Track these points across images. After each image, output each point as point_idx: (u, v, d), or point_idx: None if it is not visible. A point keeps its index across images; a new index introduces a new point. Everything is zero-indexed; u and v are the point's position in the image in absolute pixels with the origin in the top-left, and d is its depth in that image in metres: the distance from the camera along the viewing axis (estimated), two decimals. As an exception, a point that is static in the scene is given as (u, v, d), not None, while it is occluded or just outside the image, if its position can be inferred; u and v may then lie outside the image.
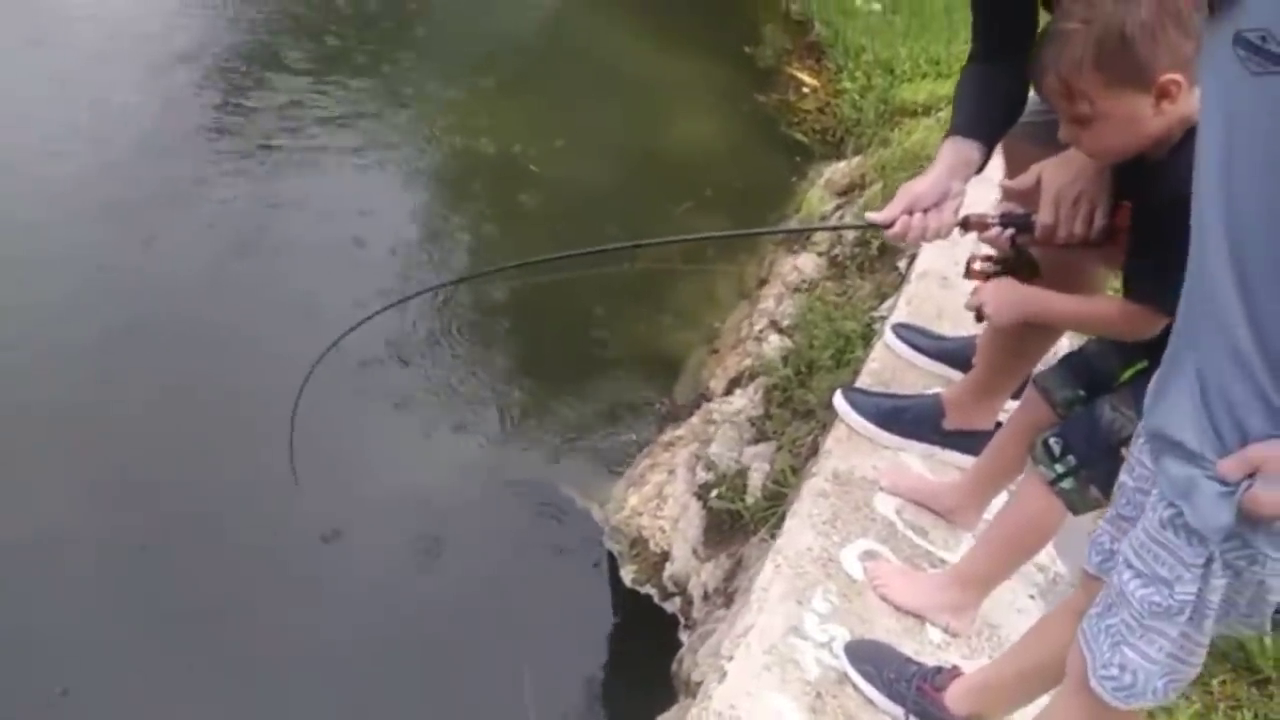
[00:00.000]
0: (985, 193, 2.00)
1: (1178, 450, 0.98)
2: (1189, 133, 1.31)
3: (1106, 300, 1.46)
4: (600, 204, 4.36)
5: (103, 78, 4.35)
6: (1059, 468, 1.56)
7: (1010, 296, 1.58)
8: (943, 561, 1.90)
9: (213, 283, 3.52)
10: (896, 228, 1.62)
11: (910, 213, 1.62)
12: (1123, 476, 1.19)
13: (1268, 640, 1.77)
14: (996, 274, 1.66)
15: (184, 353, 3.23)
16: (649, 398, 3.58)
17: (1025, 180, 1.58)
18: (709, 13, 6.25)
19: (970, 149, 1.63)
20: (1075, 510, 1.59)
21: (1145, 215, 1.42)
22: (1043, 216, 1.55)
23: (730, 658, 1.60)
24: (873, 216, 1.67)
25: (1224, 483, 0.94)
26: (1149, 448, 1.07)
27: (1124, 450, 1.47)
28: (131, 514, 2.73)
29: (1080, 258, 1.63)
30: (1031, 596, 1.90)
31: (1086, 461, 1.53)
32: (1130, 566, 1.04)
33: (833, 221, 4.07)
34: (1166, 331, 1.48)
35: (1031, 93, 1.67)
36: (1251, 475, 0.92)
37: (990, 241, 1.68)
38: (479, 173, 4.54)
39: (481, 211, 4.34)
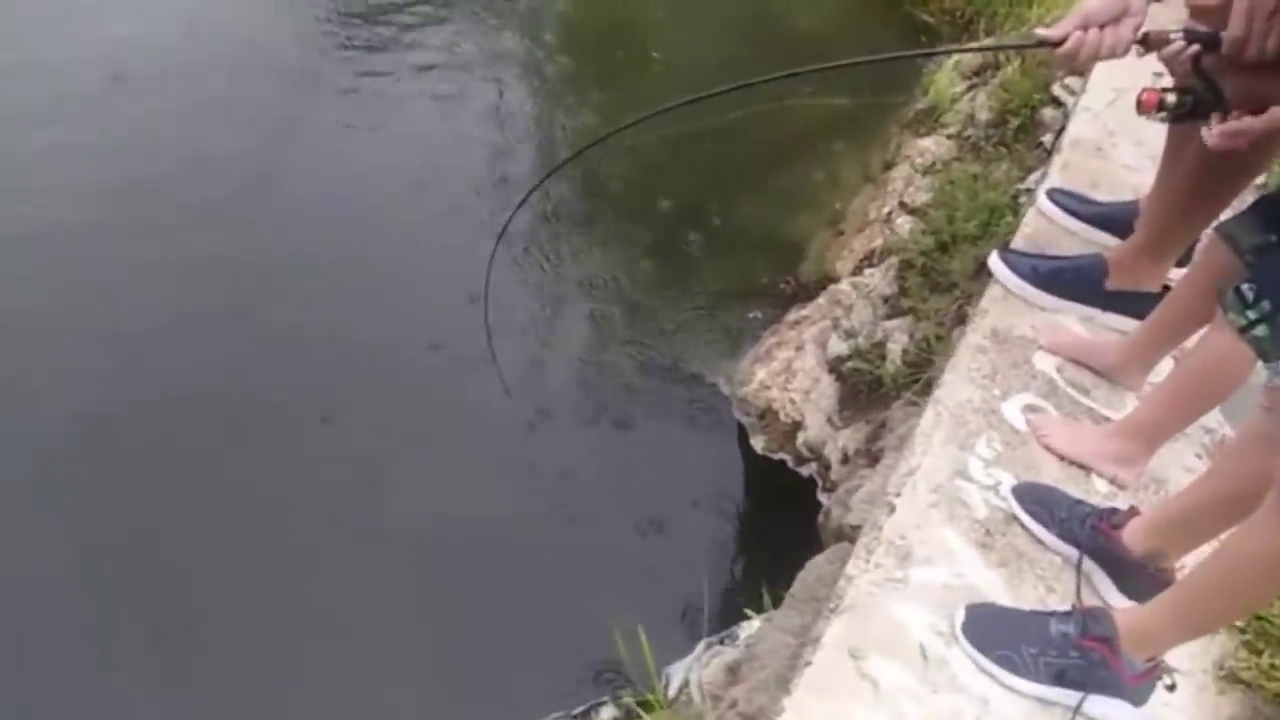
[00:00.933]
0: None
1: None
2: None
3: None
4: (716, 81, 4.28)
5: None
6: (1251, 314, 1.48)
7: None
8: (1105, 419, 1.87)
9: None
10: (1070, 44, 1.48)
11: (1085, 29, 1.50)
12: None
13: None
14: (1176, 103, 1.54)
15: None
16: (773, 278, 3.57)
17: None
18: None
19: None
20: (1266, 358, 1.53)
21: None
22: (1232, 29, 1.42)
23: (898, 494, 1.62)
24: (1044, 32, 1.54)
25: None
26: None
27: None
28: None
29: (1276, 86, 1.52)
30: (1198, 456, 1.86)
31: None
32: None
33: (959, 122, 3.89)
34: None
35: None
36: None
37: (1170, 63, 1.56)
38: (596, 53, 4.49)
39: (601, 91, 4.31)
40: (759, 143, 4.03)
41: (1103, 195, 2.46)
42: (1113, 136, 2.72)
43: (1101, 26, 1.50)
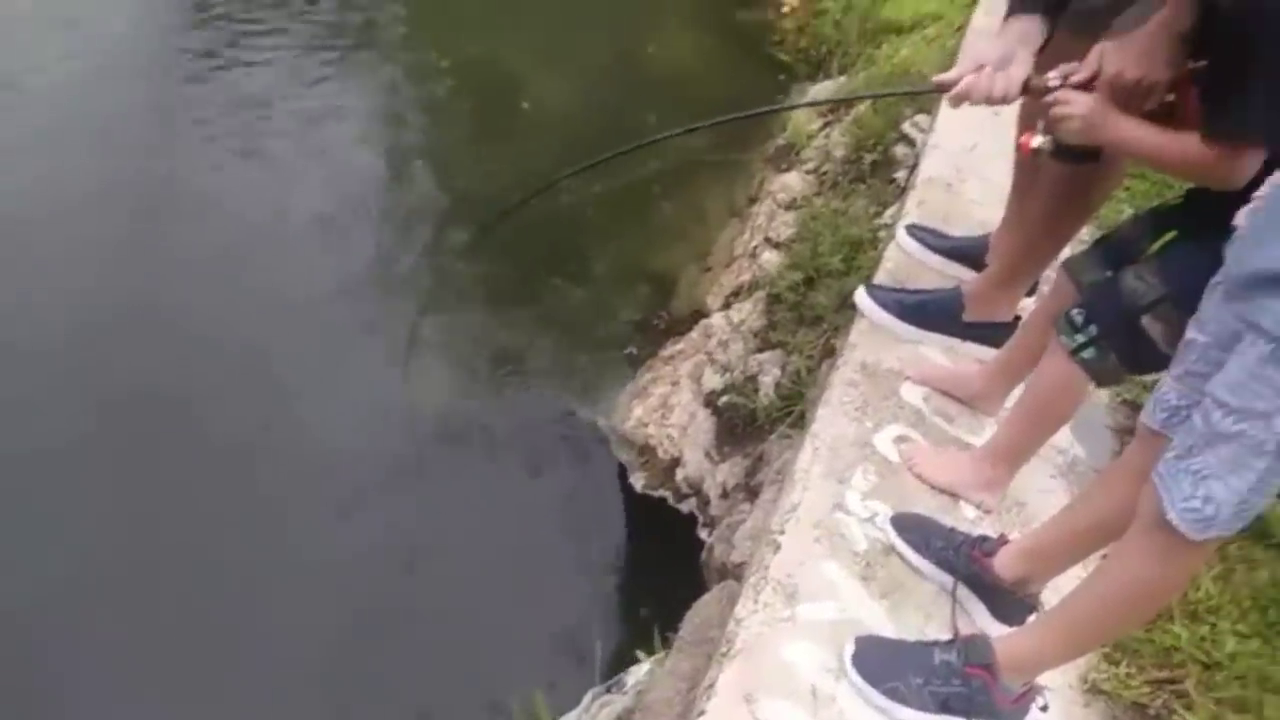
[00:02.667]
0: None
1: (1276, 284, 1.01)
2: None
3: (1189, 139, 1.41)
4: (586, 124, 4.30)
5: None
6: (1080, 337, 1.59)
7: (1102, 111, 1.49)
8: (969, 446, 1.95)
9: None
10: (961, 86, 1.58)
11: (976, 73, 1.58)
12: (1192, 334, 1.22)
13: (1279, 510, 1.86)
14: (1050, 144, 1.63)
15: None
16: (646, 314, 3.60)
17: (1089, 64, 1.56)
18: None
19: (1032, 22, 1.61)
20: (1096, 379, 1.63)
21: (1218, 55, 1.39)
22: (1102, 98, 1.54)
23: (781, 531, 1.63)
24: (939, 77, 1.62)
25: None
26: (1239, 294, 1.10)
27: (1145, 319, 1.52)
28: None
29: None
30: (1053, 476, 1.96)
31: (1107, 331, 1.56)
32: (1222, 406, 1.08)
33: (817, 157, 4.03)
34: (1201, 204, 1.53)
35: None
36: None
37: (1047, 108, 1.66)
38: (464, 97, 4.45)
39: (469, 133, 4.27)
40: (627, 180, 4.06)
41: (955, 230, 2.59)
42: (961, 174, 2.87)
43: (994, 70, 1.59)
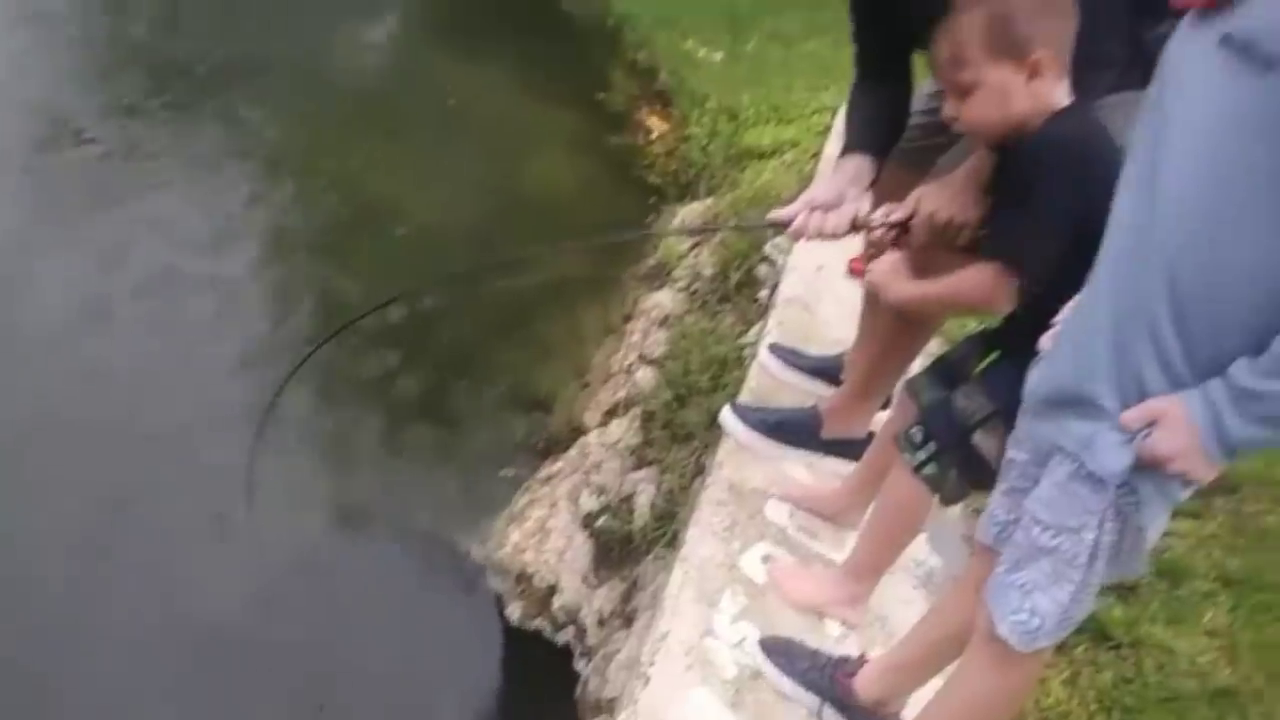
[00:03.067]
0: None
1: (1081, 407, 1.11)
2: (1050, 118, 1.47)
3: (972, 267, 1.57)
4: (458, 247, 4.35)
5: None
6: (920, 455, 1.68)
7: (898, 277, 1.68)
8: (832, 561, 2.00)
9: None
10: (797, 224, 1.74)
11: (810, 211, 1.74)
12: (1011, 453, 1.31)
13: (1117, 611, 1.97)
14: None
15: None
16: (523, 435, 3.58)
17: (906, 206, 1.72)
18: (557, 59, 6.40)
19: (863, 162, 1.78)
20: (939, 493, 1.71)
21: (1002, 192, 1.57)
22: (915, 237, 1.70)
23: (651, 663, 1.62)
24: (774, 214, 1.78)
25: (1123, 432, 1.07)
26: (1042, 414, 1.19)
27: (975, 436, 1.62)
28: None
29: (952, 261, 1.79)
30: (914, 588, 2.03)
31: (945, 447, 1.66)
32: (1039, 522, 1.15)
33: (688, 276, 4.19)
34: (1018, 326, 1.66)
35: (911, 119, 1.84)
36: (1148, 426, 1.06)
37: (875, 243, 1.80)
38: (335, 220, 4.44)
39: (340, 257, 4.23)
40: (503, 301, 4.11)
41: (813, 348, 2.71)
42: (816, 294, 3.03)
43: (825, 211, 1.74)
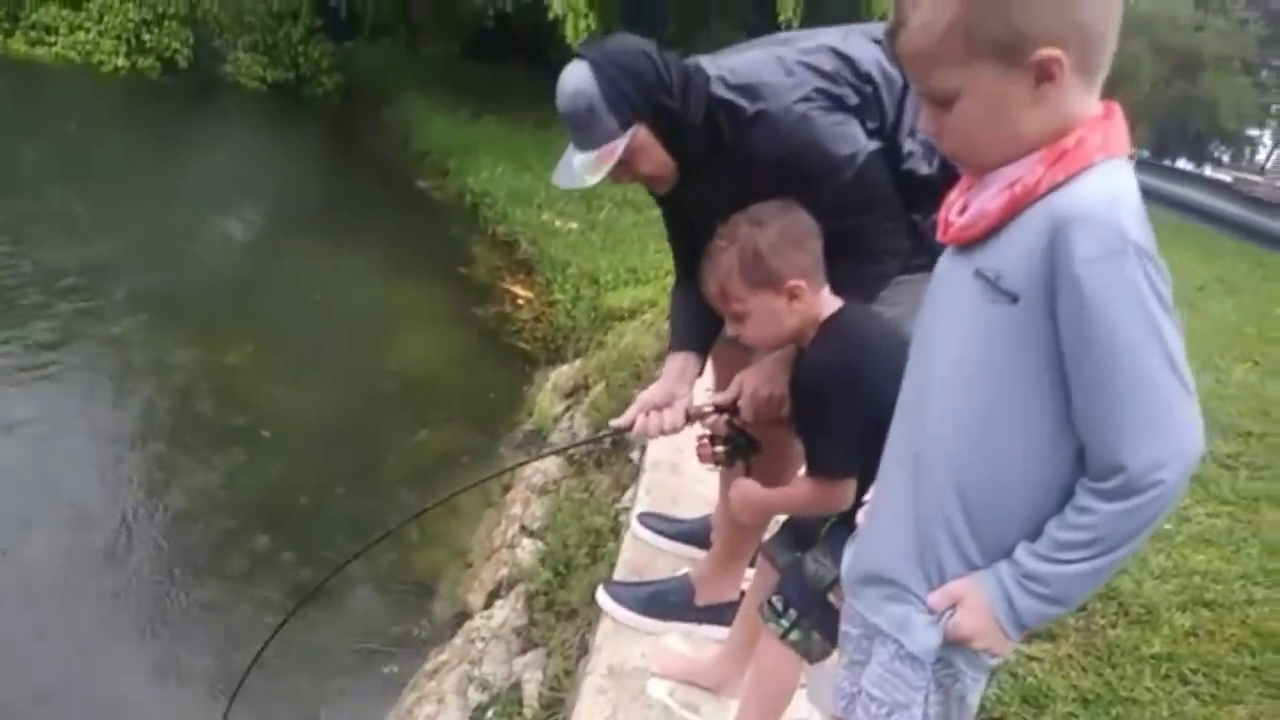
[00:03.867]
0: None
1: (892, 589, 1.21)
2: (821, 329, 1.66)
3: (803, 481, 1.73)
4: (338, 438, 4.32)
5: None
6: (784, 622, 1.76)
7: (750, 500, 1.83)
8: (718, 733, 2.02)
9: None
10: (637, 427, 1.91)
11: (647, 414, 1.87)
12: (845, 627, 1.39)
13: None
14: (725, 453, 1.91)
15: None
16: (405, 627, 3.48)
17: (731, 390, 1.88)
18: (418, 238, 6.60)
19: (687, 358, 1.95)
20: (808, 657, 1.78)
21: (797, 405, 1.75)
22: (744, 414, 1.86)
23: None
24: (615, 423, 1.93)
25: (931, 613, 1.17)
26: (860, 595, 1.29)
27: (830, 595, 1.72)
28: None
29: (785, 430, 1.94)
30: (802, 750, 2.06)
31: (805, 612, 1.74)
32: (874, 699, 1.23)
33: (564, 440, 4.28)
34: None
35: None
36: (952, 606, 1.16)
37: (711, 427, 1.93)
38: (202, 426, 4.34)
39: (212, 465, 4.12)
40: (375, 479, 4.08)
41: (683, 511, 2.79)
42: (682, 454, 3.14)
43: (659, 409, 1.89)
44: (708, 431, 1.93)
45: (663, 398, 1.91)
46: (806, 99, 1.83)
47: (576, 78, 1.80)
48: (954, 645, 1.16)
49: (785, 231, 1.66)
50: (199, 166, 6.92)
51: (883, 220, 1.85)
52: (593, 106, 1.79)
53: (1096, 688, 2.17)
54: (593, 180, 1.84)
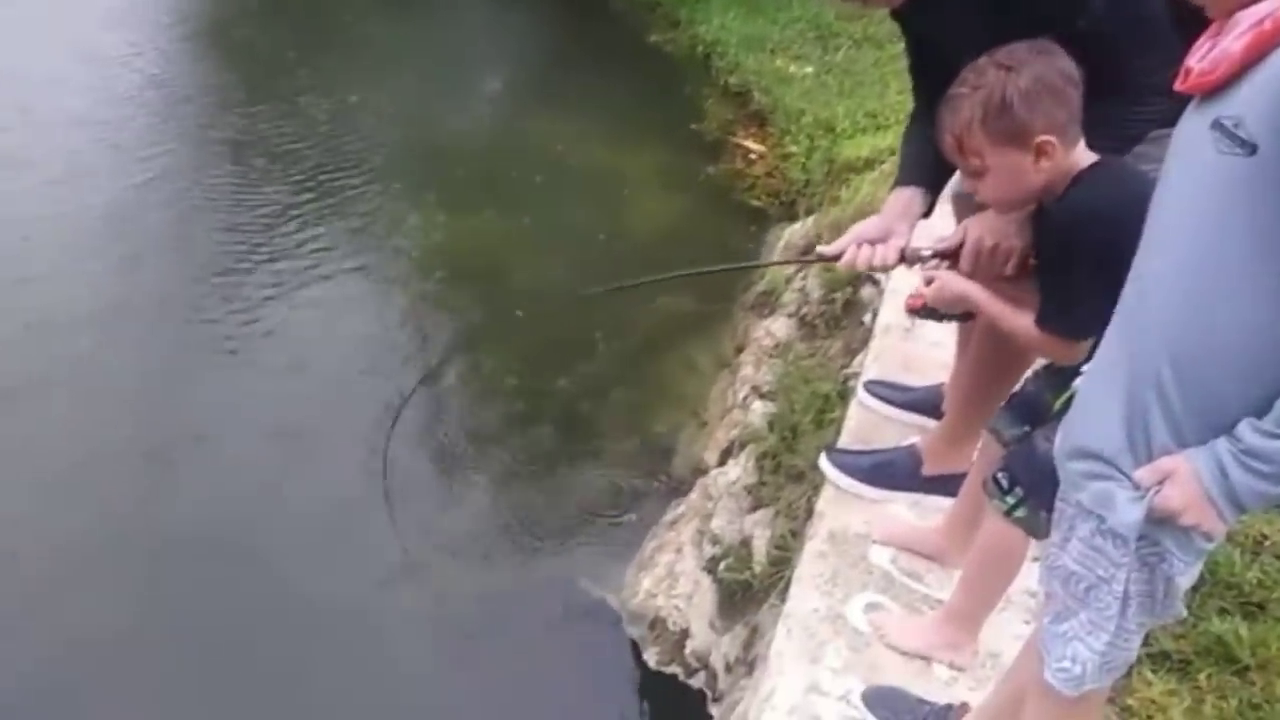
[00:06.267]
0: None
1: (1098, 464, 1.18)
2: (1074, 181, 1.51)
3: (1028, 317, 1.63)
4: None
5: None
6: (1009, 499, 1.71)
7: (953, 284, 1.73)
8: (939, 602, 2.03)
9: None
10: (845, 258, 1.85)
11: (859, 246, 1.83)
12: (1059, 503, 1.35)
13: (1244, 631, 1.92)
14: (925, 313, 1.84)
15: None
16: (646, 477, 3.71)
17: (955, 236, 1.77)
18: (650, 95, 6.56)
19: (914, 195, 1.86)
20: (1035, 534, 1.73)
21: (1043, 257, 1.61)
22: (964, 265, 1.75)
23: (758, 723, 1.72)
24: (823, 249, 1.89)
25: (1137, 488, 1.13)
26: (1065, 468, 1.24)
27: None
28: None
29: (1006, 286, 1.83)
30: (1026, 622, 2.02)
31: (1032, 490, 1.67)
32: (1073, 574, 1.21)
33: (796, 301, 4.26)
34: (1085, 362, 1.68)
35: None
36: (1160, 482, 1.11)
37: (927, 272, 1.86)
38: (454, 279, 4.71)
39: (461, 310, 4.51)
40: (613, 345, 4.29)
41: (914, 378, 2.73)
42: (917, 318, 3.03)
43: (872, 243, 1.83)
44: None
45: (879, 233, 1.83)
46: None
47: None
48: (1161, 523, 1.12)
49: (1040, 79, 1.49)
50: (441, 35, 7.25)
51: (1148, 50, 1.61)
52: None
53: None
54: None
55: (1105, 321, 1.47)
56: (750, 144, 5.93)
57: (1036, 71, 1.49)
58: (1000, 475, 1.73)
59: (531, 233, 4.95)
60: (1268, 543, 2.07)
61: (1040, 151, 1.49)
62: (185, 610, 2.91)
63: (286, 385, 3.86)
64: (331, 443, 3.58)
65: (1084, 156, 1.52)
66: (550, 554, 3.36)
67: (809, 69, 6.22)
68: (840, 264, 1.90)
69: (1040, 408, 1.76)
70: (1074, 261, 1.47)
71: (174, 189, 5.01)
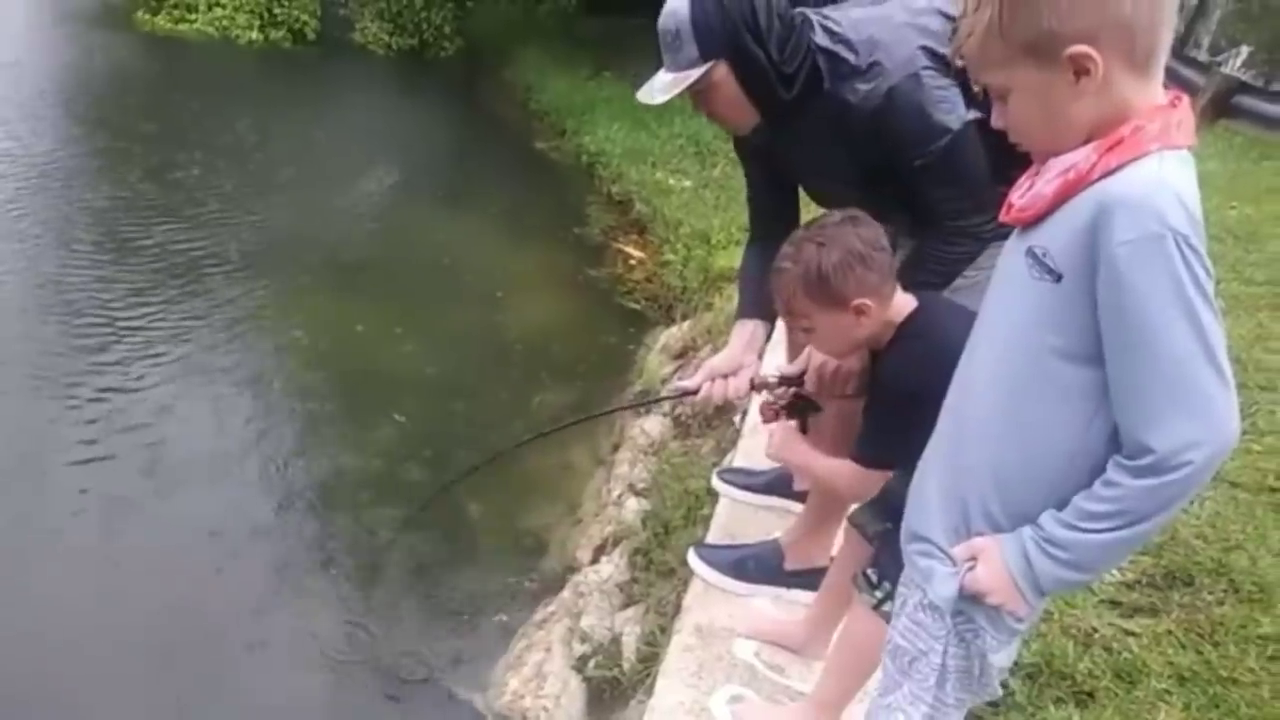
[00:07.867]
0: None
1: (925, 544, 1.30)
2: (898, 332, 1.68)
3: (845, 464, 1.79)
4: (455, 396, 4.55)
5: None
6: (878, 594, 1.80)
7: (792, 453, 1.90)
8: (801, 694, 2.09)
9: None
10: (701, 394, 2.00)
11: (712, 380, 1.95)
12: (900, 587, 1.45)
13: (1076, 718, 2.04)
14: (785, 407, 1.98)
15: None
16: (518, 575, 3.67)
17: (799, 363, 1.92)
18: (536, 200, 6.77)
19: (755, 327, 2.02)
20: None
21: (869, 397, 1.78)
22: (809, 387, 1.90)
23: (618, 822, 1.71)
24: (682, 383, 2.02)
25: (954, 564, 1.25)
26: (908, 550, 1.35)
27: None
28: None
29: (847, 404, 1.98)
30: (883, 714, 2.11)
31: (899, 583, 1.78)
32: (900, 649, 1.30)
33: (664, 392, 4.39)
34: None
35: None
36: (973, 560, 1.23)
37: (776, 397, 1.98)
38: (332, 384, 4.63)
39: (337, 420, 4.41)
40: (493, 436, 4.28)
41: (766, 463, 2.83)
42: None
43: (725, 377, 1.96)
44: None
45: (729, 366, 1.99)
46: (912, 58, 1.82)
47: None
48: (973, 600, 1.23)
49: (850, 250, 1.65)
50: (335, 134, 7.30)
51: (964, 197, 1.83)
52: (680, 29, 1.82)
53: (1195, 665, 2.12)
54: (660, 99, 1.88)
55: (915, 453, 1.62)
56: (631, 250, 6.15)
57: (846, 244, 1.66)
58: (870, 571, 1.83)
59: (408, 328, 4.95)
60: (1097, 635, 2.22)
61: (859, 311, 1.67)
62: None
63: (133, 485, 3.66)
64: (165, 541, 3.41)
65: (903, 304, 1.70)
66: (416, 656, 3.25)
67: (687, 183, 6.55)
68: (698, 399, 2.06)
69: (901, 504, 1.88)
70: (892, 410, 1.65)
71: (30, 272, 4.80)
